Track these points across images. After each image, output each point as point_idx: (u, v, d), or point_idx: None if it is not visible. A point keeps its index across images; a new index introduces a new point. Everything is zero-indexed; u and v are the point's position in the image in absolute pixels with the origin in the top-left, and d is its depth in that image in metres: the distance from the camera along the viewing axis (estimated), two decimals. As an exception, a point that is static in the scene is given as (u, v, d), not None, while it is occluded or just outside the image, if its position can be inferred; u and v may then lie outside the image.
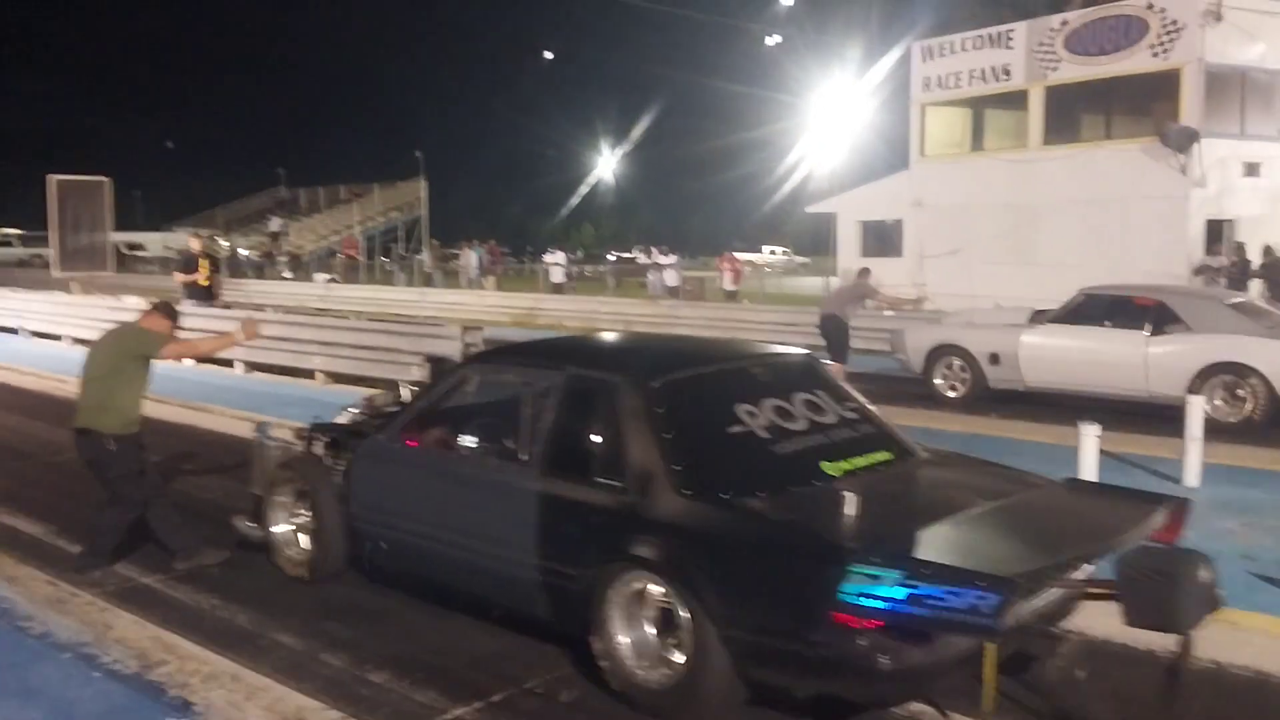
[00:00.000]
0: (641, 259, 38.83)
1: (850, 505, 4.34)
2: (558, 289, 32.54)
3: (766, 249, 68.78)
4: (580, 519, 4.90)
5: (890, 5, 30.84)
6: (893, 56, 29.52)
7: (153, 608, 5.96)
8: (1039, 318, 12.48)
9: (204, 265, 17.08)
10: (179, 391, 13.66)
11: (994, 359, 12.35)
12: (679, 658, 4.49)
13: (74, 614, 5.82)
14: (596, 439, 5.00)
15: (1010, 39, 25.80)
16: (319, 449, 6.38)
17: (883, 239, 28.91)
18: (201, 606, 6.05)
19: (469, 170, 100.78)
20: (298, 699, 4.80)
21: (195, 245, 17.73)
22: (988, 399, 12.47)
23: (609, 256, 61.39)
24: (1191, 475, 8.58)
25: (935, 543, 4.23)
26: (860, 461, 5.06)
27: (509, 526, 5.14)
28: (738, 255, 35.07)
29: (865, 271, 14.95)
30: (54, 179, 20.88)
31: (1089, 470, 7.56)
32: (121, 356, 6.63)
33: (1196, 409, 8.67)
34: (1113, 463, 9.21)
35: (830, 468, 4.92)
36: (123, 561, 6.75)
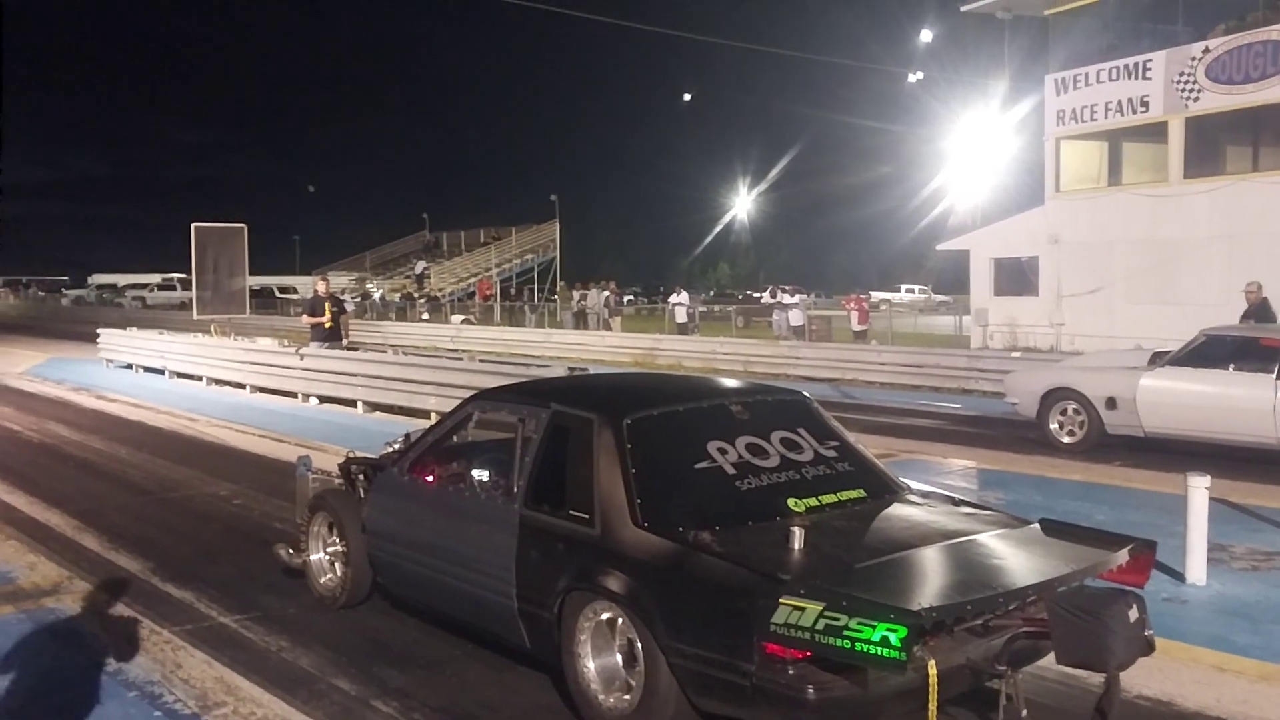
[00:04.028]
0: (766, 298, 38.56)
1: (795, 540, 4.46)
2: (682, 329, 32.56)
3: (904, 287, 67.73)
4: (554, 549, 5.08)
5: (1034, 38, 29.93)
6: (1038, 90, 28.57)
7: (224, 648, 6.08)
8: (1158, 360, 11.86)
9: (328, 308, 17.65)
10: (301, 430, 14.13)
11: (1111, 403, 11.80)
12: (636, 684, 4.65)
13: (149, 652, 5.99)
14: (573, 473, 5.19)
15: (1148, 69, 24.84)
16: (360, 481, 6.72)
17: (1016, 277, 28.04)
18: (270, 648, 6.12)
19: (606, 210, 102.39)
20: (340, 746, 4.84)
21: (321, 288, 18.35)
22: (1106, 446, 11.91)
23: (739, 296, 61.11)
24: (1320, 532, 8.02)
25: (866, 577, 4.26)
26: (829, 498, 5.12)
27: (494, 556, 5.36)
28: (872, 294, 34.54)
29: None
30: (195, 226, 22.07)
31: (1198, 524, 7.08)
32: None
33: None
34: (1237, 515, 8.70)
35: (796, 504, 4.99)
36: (204, 600, 6.94)
